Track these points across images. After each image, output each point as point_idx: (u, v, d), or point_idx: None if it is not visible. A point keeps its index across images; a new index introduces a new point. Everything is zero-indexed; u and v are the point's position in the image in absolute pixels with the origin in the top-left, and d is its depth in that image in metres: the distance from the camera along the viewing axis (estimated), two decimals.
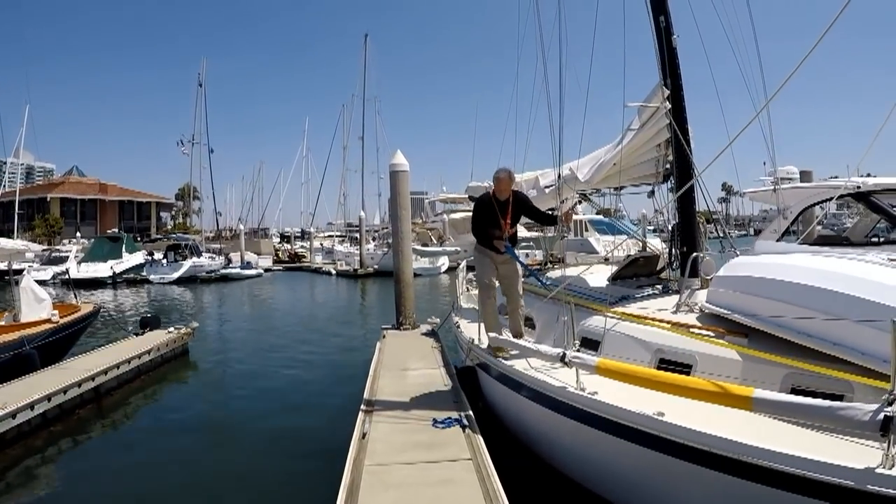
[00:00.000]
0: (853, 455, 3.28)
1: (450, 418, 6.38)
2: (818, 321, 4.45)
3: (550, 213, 8.53)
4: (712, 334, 5.33)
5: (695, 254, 6.81)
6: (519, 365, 6.24)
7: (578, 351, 5.39)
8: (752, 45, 7.29)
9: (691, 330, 5.53)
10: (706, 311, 5.73)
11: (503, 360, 6.58)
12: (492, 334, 7.13)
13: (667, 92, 7.01)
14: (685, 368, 5.15)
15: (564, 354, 5.26)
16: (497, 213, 7.08)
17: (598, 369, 4.86)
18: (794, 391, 4.27)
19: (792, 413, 3.59)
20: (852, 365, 4.20)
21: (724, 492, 3.75)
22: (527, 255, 25.35)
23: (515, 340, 6.71)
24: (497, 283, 7.38)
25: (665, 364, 5.35)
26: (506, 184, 7.08)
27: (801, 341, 4.55)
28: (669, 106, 6.99)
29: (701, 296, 6.20)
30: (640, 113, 7.31)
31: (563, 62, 8.17)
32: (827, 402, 3.43)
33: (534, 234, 29.90)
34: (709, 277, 6.61)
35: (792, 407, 3.53)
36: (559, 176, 8.18)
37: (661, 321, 5.89)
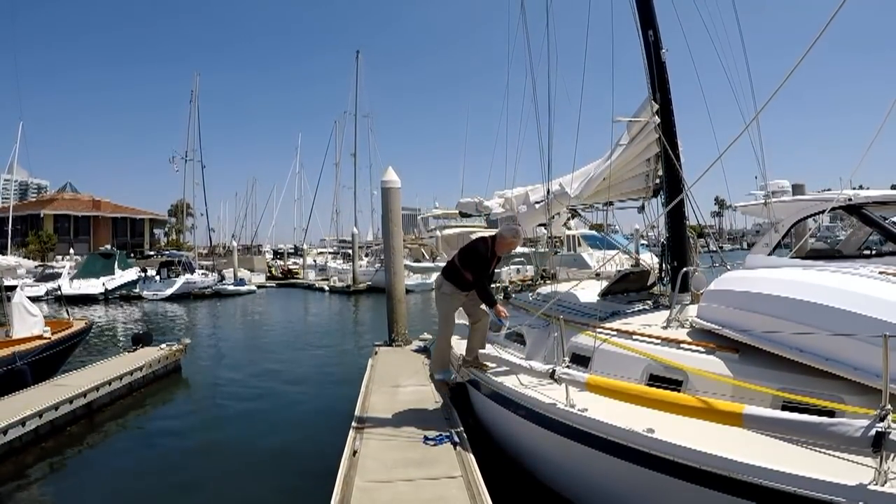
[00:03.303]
0: (845, 472, 3.26)
1: (441, 435, 6.36)
2: (809, 336, 4.43)
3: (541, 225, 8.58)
4: (702, 350, 5.32)
5: (685, 268, 6.80)
6: (509, 381, 6.23)
7: (568, 367, 5.37)
8: (741, 58, 7.33)
9: (682, 345, 5.51)
10: (697, 326, 5.71)
11: (493, 377, 6.55)
12: (482, 351, 7.12)
13: (656, 106, 7.03)
14: (675, 385, 5.13)
15: (554, 371, 5.24)
16: (489, 267, 7.00)
17: (587, 386, 4.84)
18: (785, 407, 4.25)
19: (783, 429, 3.58)
20: (844, 380, 4.19)
21: None
22: (518, 270, 25.33)
23: (505, 357, 6.69)
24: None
25: (655, 380, 5.33)
26: (516, 245, 7.11)
27: (793, 356, 4.53)
28: (658, 120, 7.00)
29: (692, 311, 6.18)
30: (630, 128, 7.32)
31: (552, 76, 8.21)
32: (818, 419, 3.42)
33: (526, 249, 29.91)
34: (699, 292, 6.60)
35: (783, 423, 3.52)
36: (548, 191, 8.18)
37: (651, 337, 5.87)
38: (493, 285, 11.39)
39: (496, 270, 7.55)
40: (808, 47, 4.74)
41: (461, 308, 7.43)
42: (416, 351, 12.11)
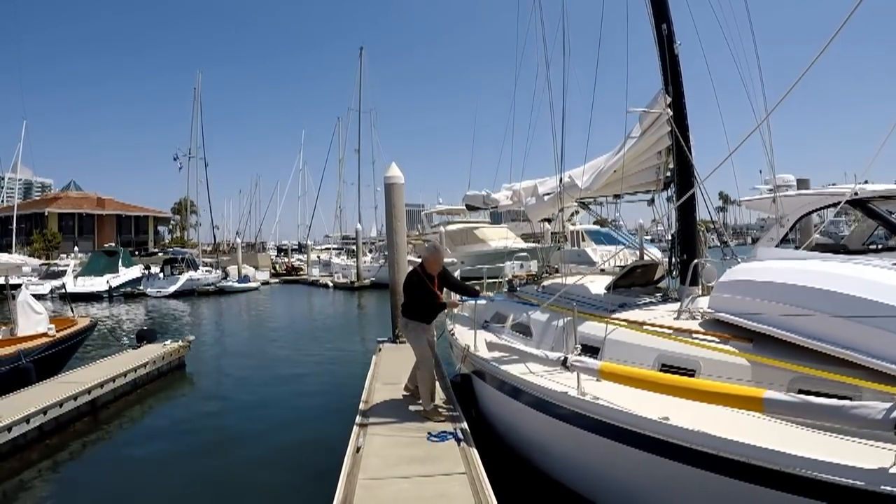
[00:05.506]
0: (864, 456, 3.22)
1: (444, 432, 6.33)
2: (826, 324, 4.38)
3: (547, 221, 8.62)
4: (716, 339, 5.27)
5: (696, 261, 6.76)
6: (516, 371, 6.17)
7: (580, 355, 5.34)
8: (752, 48, 7.28)
9: (694, 336, 5.45)
10: (709, 316, 5.66)
11: (500, 367, 6.50)
12: (489, 340, 7.11)
13: (668, 99, 6.98)
14: (688, 374, 5.06)
15: (566, 359, 5.20)
16: (429, 285, 7.25)
17: (601, 373, 4.78)
18: (803, 393, 4.20)
19: (804, 413, 3.52)
20: (860, 368, 4.14)
21: (733, 497, 3.68)
22: (521, 265, 25.29)
23: (516, 346, 6.67)
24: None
25: (667, 370, 5.25)
26: (438, 257, 7.39)
27: (809, 345, 4.47)
28: (671, 113, 6.96)
29: (701, 303, 6.14)
30: (642, 119, 7.27)
31: (566, 69, 8.19)
32: (839, 402, 3.36)
33: (530, 244, 29.84)
34: (710, 284, 6.56)
35: (804, 407, 3.46)
36: (560, 180, 8.15)
37: (662, 327, 5.83)
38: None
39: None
40: (820, 50, 4.66)
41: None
42: None
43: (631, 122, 7.48)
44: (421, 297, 7.29)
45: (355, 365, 13.02)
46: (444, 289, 7.56)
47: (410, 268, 7.80)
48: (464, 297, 8.28)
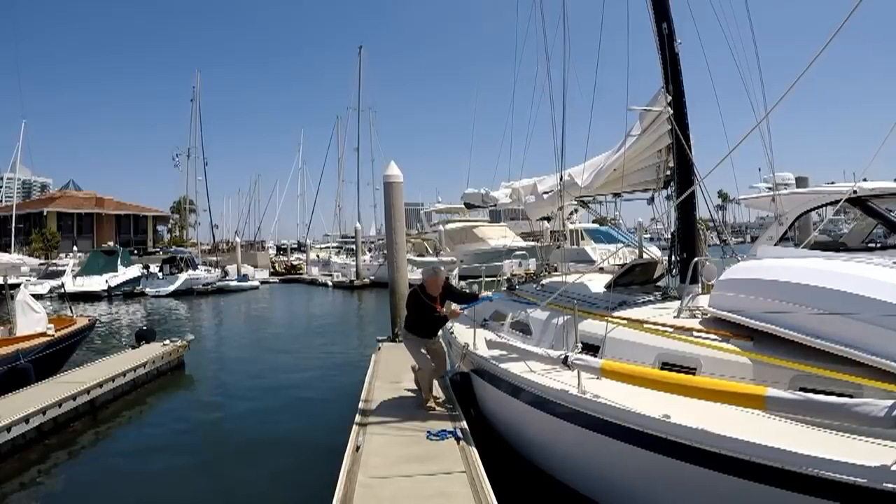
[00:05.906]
0: (865, 454, 3.22)
1: (444, 430, 6.33)
2: (827, 322, 4.37)
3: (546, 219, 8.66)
4: (716, 338, 5.26)
5: (696, 259, 6.75)
6: (516, 369, 6.17)
7: (581, 353, 5.34)
8: (751, 47, 7.28)
9: (695, 334, 5.45)
10: (709, 314, 5.66)
11: (500, 365, 6.49)
12: (489, 338, 7.17)
13: (668, 97, 6.98)
14: (689, 372, 5.06)
15: (567, 357, 5.19)
16: (429, 304, 7.36)
17: (602, 371, 4.77)
18: (804, 391, 4.19)
19: (806, 411, 3.52)
20: (861, 366, 4.14)
21: (735, 495, 3.68)
22: (520, 264, 25.32)
23: (516, 344, 6.67)
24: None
25: (668, 367, 5.25)
26: (438, 279, 7.52)
27: (810, 342, 4.46)
28: (672, 111, 6.96)
29: (702, 301, 6.14)
30: (642, 118, 7.26)
31: (566, 67, 8.18)
32: (842, 399, 3.37)
33: (529, 243, 29.83)
34: (710, 283, 6.56)
35: (806, 405, 3.46)
36: (560, 178, 8.14)
37: (662, 325, 5.82)
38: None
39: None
40: (819, 51, 4.65)
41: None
42: None
43: (631, 121, 7.47)
44: (421, 316, 7.41)
45: (354, 364, 13.02)
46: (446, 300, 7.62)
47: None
48: (465, 306, 8.27)
